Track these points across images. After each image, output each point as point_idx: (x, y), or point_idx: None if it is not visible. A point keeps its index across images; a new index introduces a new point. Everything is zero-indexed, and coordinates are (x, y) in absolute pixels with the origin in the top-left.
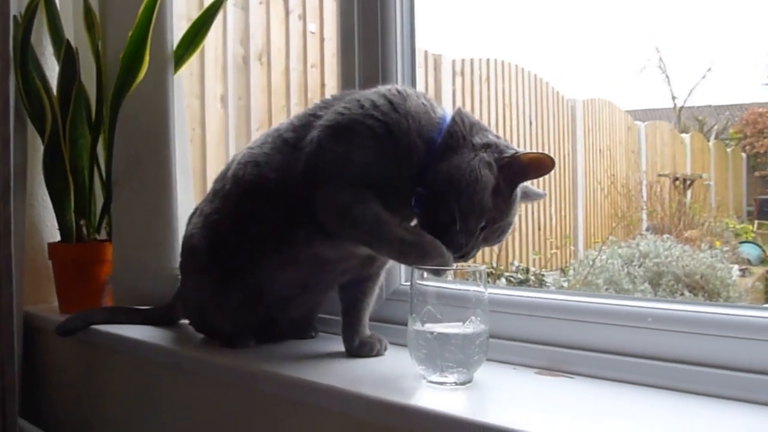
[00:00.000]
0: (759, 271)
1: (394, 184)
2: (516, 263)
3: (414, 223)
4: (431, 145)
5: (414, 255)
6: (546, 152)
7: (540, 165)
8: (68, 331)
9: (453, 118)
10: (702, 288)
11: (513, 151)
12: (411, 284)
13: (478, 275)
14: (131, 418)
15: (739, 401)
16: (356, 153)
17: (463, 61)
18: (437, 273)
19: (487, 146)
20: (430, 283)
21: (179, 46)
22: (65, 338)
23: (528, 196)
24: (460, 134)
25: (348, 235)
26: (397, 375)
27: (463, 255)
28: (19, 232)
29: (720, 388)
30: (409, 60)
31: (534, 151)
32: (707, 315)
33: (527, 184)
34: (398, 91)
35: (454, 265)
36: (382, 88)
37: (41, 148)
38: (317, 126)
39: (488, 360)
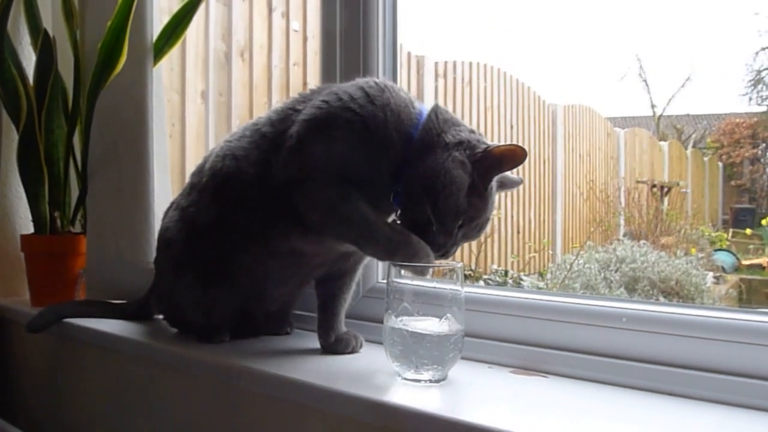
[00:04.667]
0: (733, 278)
1: (373, 178)
2: (494, 266)
3: (392, 218)
4: (409, 140)
5: (401, 254)
6: (518, 144)
7: (513, 156)
8: (39, 328)
9: (429, 115)
10: (677, 294)
11: (485, 146)
12: (388, 282)
13: (455, 274)
14: (103, 412)
15: (711, 402)
16: (336, 148)
17: (445, 63)
18: (419, 271)
19: (460, 144)
20: (407, 281)
21: (159, 38)
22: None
23: (505, 185)
24: (434, 132)
25: (334, 233)
26: (372, 372)
27: (443, 254)
28: None
29: (693, 389)
30: (391, 60)
31: (505, 143)
32: (681, 316)
33: (504, 173)
34: (376, 84)
35: (436, 262)
36: (361, 81)
37: (16, 138)
38: (297, 121)
39: (463, 358)
